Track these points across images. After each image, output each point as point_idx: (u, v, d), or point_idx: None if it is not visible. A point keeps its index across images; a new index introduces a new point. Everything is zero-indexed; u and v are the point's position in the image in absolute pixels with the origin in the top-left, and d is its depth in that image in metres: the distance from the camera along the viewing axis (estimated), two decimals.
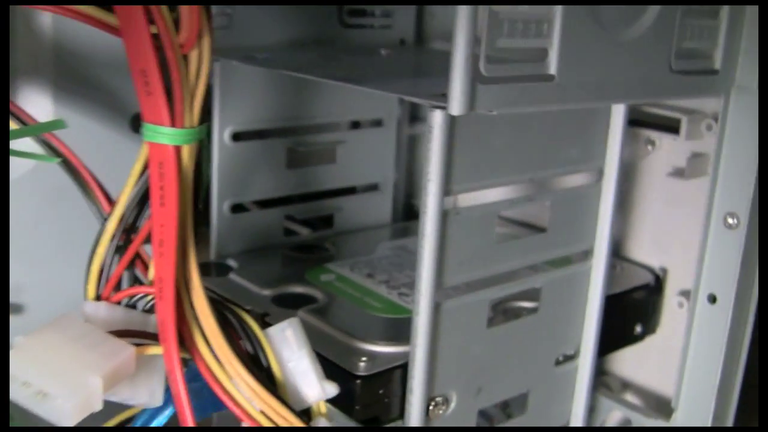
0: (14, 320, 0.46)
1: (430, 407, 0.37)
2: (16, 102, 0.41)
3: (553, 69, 0.33)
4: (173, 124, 0.32)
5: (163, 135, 0.32)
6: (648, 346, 0.50)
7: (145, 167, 0.33)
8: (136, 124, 0.47)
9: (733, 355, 0.43)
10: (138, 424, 0.33)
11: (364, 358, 0.37)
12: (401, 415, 0.37)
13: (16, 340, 0.30)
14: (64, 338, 0.31)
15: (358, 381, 0.36)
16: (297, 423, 0.32)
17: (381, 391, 0.37)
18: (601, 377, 0.52)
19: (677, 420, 0.46)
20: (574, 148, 0.41)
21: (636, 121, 0.48)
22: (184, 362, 0.32)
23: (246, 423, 0.32)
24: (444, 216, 0.35)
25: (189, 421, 0.31)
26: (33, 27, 0.44)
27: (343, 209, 0.54)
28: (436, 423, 0.37)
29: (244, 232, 0.50)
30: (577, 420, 0.45)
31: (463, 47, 0.30)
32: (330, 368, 0.36)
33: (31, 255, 0.46)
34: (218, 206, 0.49)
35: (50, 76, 0.45)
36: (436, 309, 0.36)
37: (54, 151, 0.35)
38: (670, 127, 0.48)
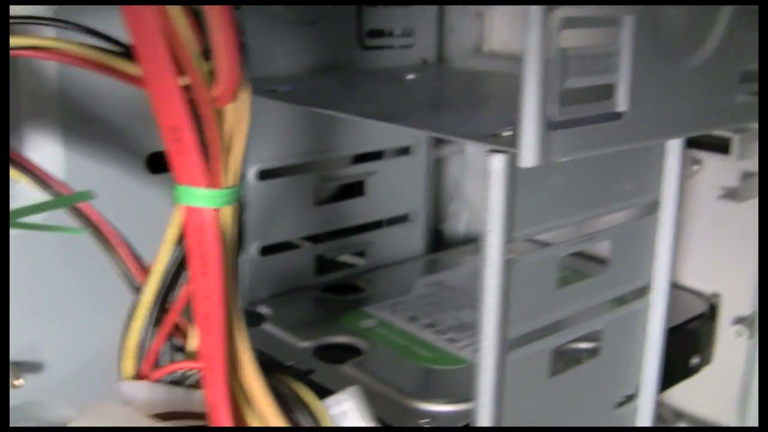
0: (32, 380, 0.43)
1: None
2: (24, 153, 0.38)
3: (622, 106, 0.31)
4: (210, 185, 0.29)
5: (200, 197, 0.29)
6: (701, 375, 0.48)
7: (181, 233, 0.30)
8: (152, 164, 0.44)
9: None
10: None
11: (426, 420, 0.34)
12: None
13: None
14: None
15: None
16: None
17: None
18: None
19: None
20: (630, 182, 0.38)
21: None
22: None
23: None
24: (506, 267, 0.32)
25: None
26: (35, 67, 0.41)
27: (374, 243, 0.52)
28: None
29: (274, 275, 0.47)
30: None
31: (535, 92, 0.27)
32: None
33: (46, 309, 0.43)
34: (246, 249, 0.46)
35: (57, 119, 0.42)
36: (500, 363, 0.33)
37: (80, 215, 0.33)
38: (719, 145, 0.45)
